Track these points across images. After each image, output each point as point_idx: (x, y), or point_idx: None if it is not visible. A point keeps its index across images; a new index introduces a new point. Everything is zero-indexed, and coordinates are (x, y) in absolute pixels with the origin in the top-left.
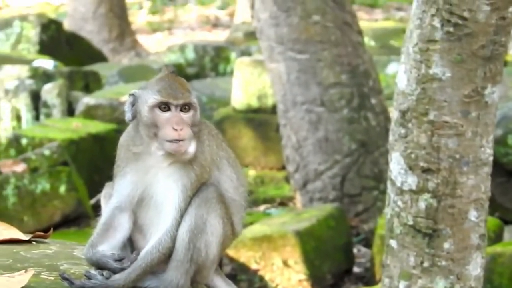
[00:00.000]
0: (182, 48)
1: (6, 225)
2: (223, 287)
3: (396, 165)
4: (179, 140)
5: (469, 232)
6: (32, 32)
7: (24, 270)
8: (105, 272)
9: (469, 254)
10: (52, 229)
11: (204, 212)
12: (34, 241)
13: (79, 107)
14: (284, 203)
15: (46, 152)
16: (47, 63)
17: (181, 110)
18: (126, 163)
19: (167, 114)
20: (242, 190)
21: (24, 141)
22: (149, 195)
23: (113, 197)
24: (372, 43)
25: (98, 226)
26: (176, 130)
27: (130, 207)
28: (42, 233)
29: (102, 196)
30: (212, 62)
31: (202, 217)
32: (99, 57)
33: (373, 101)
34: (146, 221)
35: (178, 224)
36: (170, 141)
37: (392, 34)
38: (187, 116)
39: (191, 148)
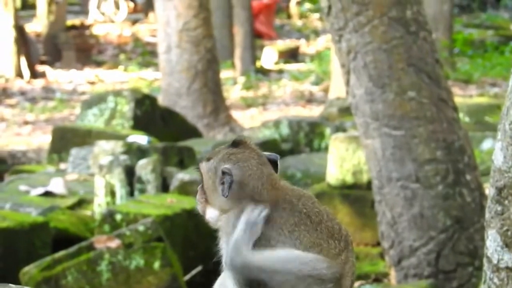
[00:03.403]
0: (276, 124)
1: None
2: None
3: (492, 243)
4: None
5: None
6: (126, 107)
7: None
8: None
9: None
10: None
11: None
12: None
13: (174, 183)
14: (379, 279)
15: (141, 228)
16: (141, 139)
17: None
18: None
19: None
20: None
21: (118, 217)
22: None
23: None
24: (467, 119)
25: None
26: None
27: None
28: None
29: None
30: (306, 137)
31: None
32: (194, 133)
33: (468, 177)
34: None
35: None
36: None
37: (487, 110)
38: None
39: (208, 214)
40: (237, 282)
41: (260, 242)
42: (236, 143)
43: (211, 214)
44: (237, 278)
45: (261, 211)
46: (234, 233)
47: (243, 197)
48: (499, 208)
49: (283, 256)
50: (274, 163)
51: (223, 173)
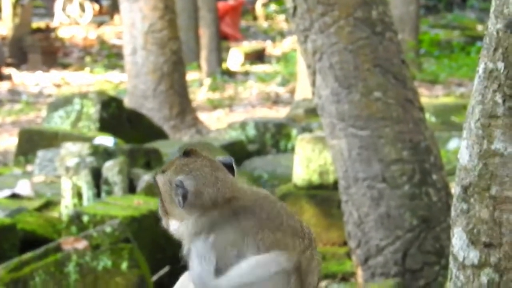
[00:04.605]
0: (242, 125)
1: None
2: None
3: (458, 240)
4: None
5: None
6: (93, 110)
7: None
8: None
9: None
10: None
11: None
12: None
13: (140, 184)
14: (345, 278)
15: (108, 229)
16: (107, 141)
17: None
18: None
19: None
20: None
21: (85, 218)
22: None
23: None
24: (433, 119)
25: None
26: None
27: None
28: None
29: None
30: (273, 138)
31: None
32: (160, 135)
33: (434, 177)
34: None
35: None
36: None
37: (453, 110)
38: None
39: (171, 226)
40: None
41: (226, 251)
42: (187, 153)
43: (174, 226)
44: None
45: (207, 237)
46: (191, 268)
47: (200, 205)
48: (465, 207)
49: (246, 268)
50: (230, 167)
51: (177, 185)
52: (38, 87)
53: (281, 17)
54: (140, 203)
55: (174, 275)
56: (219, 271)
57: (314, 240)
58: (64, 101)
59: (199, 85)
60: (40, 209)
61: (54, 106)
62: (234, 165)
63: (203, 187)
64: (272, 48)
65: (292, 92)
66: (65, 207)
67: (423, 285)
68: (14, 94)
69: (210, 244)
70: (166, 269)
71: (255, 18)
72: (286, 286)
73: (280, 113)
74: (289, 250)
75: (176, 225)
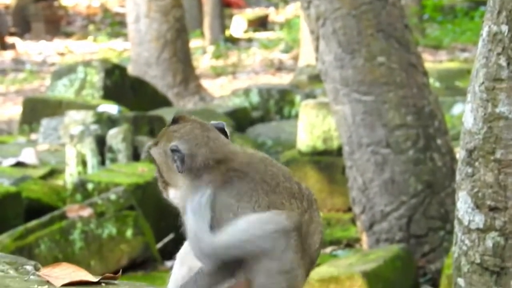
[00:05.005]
0: (246, 92)
1: (75, 267)
2: None
3: (463, 204)
4: None
5: None
6: (96, 78)
7: None
8: None
9: None
10: (121, 271)
11: None
12: (103, 282)
13: (145, 152)
14: (350, 244)
15: (112, 196)
16: (111, 108)
17: None
18: None
19: None
20: None
21: (90, 186)
22: None
23: None
24: (437, 84)
25: None
26: None
27: None
28: (111, 275)
29: None
30: (276, 105)
31: None
32: (164, 102)
33: (439, 142)
34: None
35: None
36: None
37: (457, 75)
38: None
39: (171, 196)
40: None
41: (222, 214)
42: (176, 120)
43: (175, 195)
44: (212, 266)
45: (202, 194)
46: (187, 227)
47: (197, 168)
48: (470, 170)
49: (243, 225)
50: (223, 131)
51: (172, 151)
52: (42, 56)
53: None
54: (144, 171)
55: (179, 242)
56: (214, 232)
57: (315, 202)
58: (68, 70)
59: (202, 52)
60: (44, 177)
61: (58, 75)
62: (226, 128)
63: (196, 148)
64: (275, 15)
65: (295, 58)
66: (70, 175)
67: (428, 251)
68: (18, 63)
69: (205, 202)
70: (170, 236)
71: None
72: (284, 247)
73: (283, 79)
74: (287, 211)
75: (177, 194)
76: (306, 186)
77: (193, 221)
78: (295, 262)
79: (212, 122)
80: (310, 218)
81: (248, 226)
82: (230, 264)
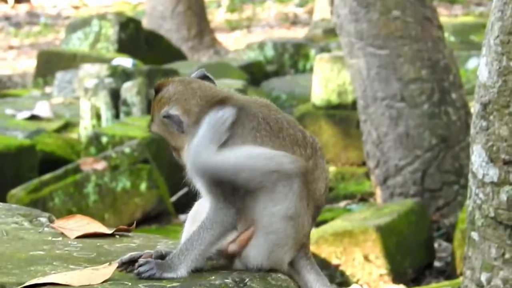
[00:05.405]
0: (261, 46)
1: (90, 219)
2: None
3: (477, 158)
4: None
5: None
6: (111, 31)
7: (108, 263)
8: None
9: None
10: (135, 223)
11: None
12: (117, 235)
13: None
14: (364, 198)
15: (127, 150)
16: (126, 62)
17: None
18: None
19: None
20: None
21: (104, 139)
22: None
23: None
24: (452, 38)
25: None
26: None
27: None
28: (125, 227)
29: None
30: (291, 59)
31: None
32: (178, 56)
33: (453, 96)
34: None
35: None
36: None
37: (472, 29)
38: None
39: (186, 157)
40: (207, 187)
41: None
42: (157, 89)
43: (187, 155)
44: (204, 182)
45: (225, 112)
46: (196, 136)
47: (194, 121)
48: (484, 124)
49: (245, 152)
50: (206, 78)
51: (166, 117)
52: (56, 9)
53: None
54: None
55: (193, 196)
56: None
57: (319, 150)
58: (83, 23)
59: (217, 6)
60: (59, 130)
61: (73, 28)
62: (206, 73)
63: (186, 103)
64: None
65: (310, 12)
66: (84, 128)
67: (442, 205)
68: (32, 17)
69: (229, 116)
70: (185, 190)
71: None
72: (287, 191)
73: (298, 33)
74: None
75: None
76: (311, 134)
77: (203, 133)
78: (300, 208)
79: (192, 75)
80: (314, 165)
81: (250, 154)
82: (233, 214)
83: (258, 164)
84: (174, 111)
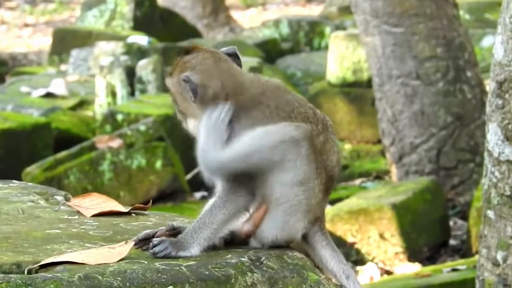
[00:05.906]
0: (276, 23)
1: (106, 197)
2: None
3: (493, 136)
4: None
5: None
6: (126, 9)
7: (124, 242)
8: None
9: None
10: (151, 202)
11: None
12: (133, 213)
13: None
14: (380, 176)
15: (142, 127)
16: (141, 39)
17: None
18: None
19: None
20: None
21: (119, 117)
22: None
23: None
24: (467, 16)
25: None
26: None
27: None
28: (141, 205)
29: None
30: (306, 37)
31: None
32: (193, 33)
33: (468, 74)
34: None
35: None
36: None
37: (487, 8)
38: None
39: (189, 125)
40: (224, 184)
41: (236, 135)
42: (188, 50)
43: (191, 125)
44: (222, 181)
45: (222, 110)
46: (198, 140)
47: (211, 98)
48: (500, 102)
49: (248, 138)
50: (235, 56)
51: (184, 81)
52: None
53: None
54: None
55: None
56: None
57: (330, 126)
58: (98, 0)
59: None
60: (74, 108)
61: (88, 5)
62: (237, 52)
63: (207, 79)
64: None
65: None
66: (99, 106)
67: (457, 183)
68: None
69: (226, 113)
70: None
71: None
72: (295, 156)
73: (313, 11)
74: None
75: (193, 124)
76: (321, 112)
77: (203, 135)
78: (309, 172)
79: (224, 49)
80: (325, 139)
81: (253, 137)
82: (245, 193)
83: (264, 141)
84: (196, 79)
